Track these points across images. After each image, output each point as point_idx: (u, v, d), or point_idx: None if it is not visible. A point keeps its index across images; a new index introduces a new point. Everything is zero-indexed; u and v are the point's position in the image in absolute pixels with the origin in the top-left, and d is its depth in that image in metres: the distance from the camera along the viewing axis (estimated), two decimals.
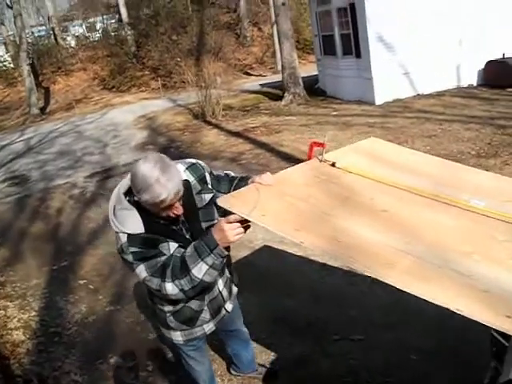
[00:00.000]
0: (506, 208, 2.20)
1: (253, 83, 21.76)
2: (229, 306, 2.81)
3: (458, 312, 1.51)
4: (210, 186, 2.47)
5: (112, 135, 14.25)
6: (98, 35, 29.57)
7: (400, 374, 3.49)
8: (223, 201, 2.02)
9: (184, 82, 17.77)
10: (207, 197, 2.44)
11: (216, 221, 2.40)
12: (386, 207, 2.10)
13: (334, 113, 13.42)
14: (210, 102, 14.35)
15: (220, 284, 2.66)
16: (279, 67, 22.60)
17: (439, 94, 13.55)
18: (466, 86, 14.10)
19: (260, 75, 24.97)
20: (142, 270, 2.20)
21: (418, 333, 3.90)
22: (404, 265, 1.70)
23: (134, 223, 2.18)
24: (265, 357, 3.83)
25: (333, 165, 2.49)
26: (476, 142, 9.01)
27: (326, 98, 15.84)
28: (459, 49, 13.58)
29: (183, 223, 2.36)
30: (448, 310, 1.53)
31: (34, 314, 5.06)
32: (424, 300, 1.57)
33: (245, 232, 2.04)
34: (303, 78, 16.03)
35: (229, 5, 29.76)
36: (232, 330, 3.15)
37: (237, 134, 12.25)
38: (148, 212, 2.18)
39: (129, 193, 2.23)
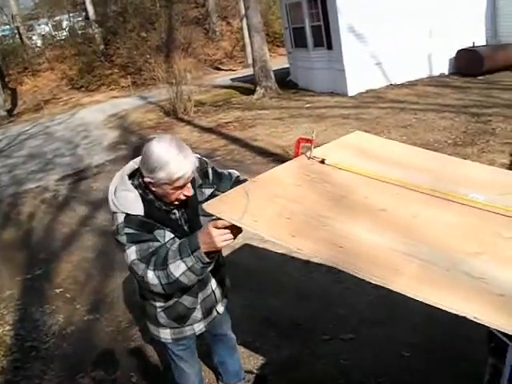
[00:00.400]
0: (505, 201, 2.10)
1: (223, 78, 21.60)
2: (220, 308, 2.73)
3: (476, 320, 1.41)
4: (211, 182, 2.49)
5: (83, 136, 13.93)
6: (64, 34, 29.01)
7: (394, 373, 3.40)
8: (210, 206, 1.87)
9: (154, 79, 17.49)
10: (208, 191, 2.46)
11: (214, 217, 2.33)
12: (384, 206, 1.97)
13: (307, 105, 13.35)
14: (181, 98, 14.18)
15: (213, 283, 2.59)
16: (249, 61, 22.45)
17: (412, 84, 13.59)
18: (437, 74, 14.18)
19: (230, 70, 24.80)
20: (132, 252, 2.13)
21: (409, 329, 3.82)
22: (412, 270, 1.57)
23: (134, 205, 2.16)
24: (252, 361, 3.70)
25: (322, 162, 2.35)
26: (452, 130, 9.01)
27: (299, 90, 15.77)
28: (430, 38, 13.64)
29: (182, 214, 2.35)
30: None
31: (8, 328, 4.79)
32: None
33: (234, 238, 1.92)
34: (274, 71, 15.92)
35: None
36: (220, 334, 3.02)
37: (210, 130, 12.09)
38: (151, 196, 2.20)
39: (132, 176, 2.25)
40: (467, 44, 13.75)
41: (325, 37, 14.10)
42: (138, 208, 2.15)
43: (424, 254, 1.66)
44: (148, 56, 21.69)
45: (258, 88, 15.51)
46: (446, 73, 14.27)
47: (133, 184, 2.21)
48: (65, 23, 30.50)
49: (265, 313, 4.30)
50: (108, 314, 4.72)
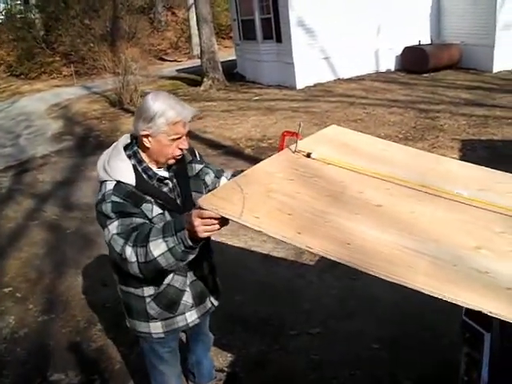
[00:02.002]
0: (485, 197, 2.14)
1: (169, 69, 21.28)
2: (215, 301, 2.65)
3: (492, 315, 1.42)
4: (199, 159, 2.53)
5: (24, 125, 13.32)
6: (1, 17, 27.68)
7: (364, 366, 3.42)
8: (206, 201, 1.78)
9: (98, 68, 17.01)
10: (197, 167, 2.49)
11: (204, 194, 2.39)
12: (380, 201, 1.96)
13: (256, 98, 13.33)
14: (127, 88, 13.85)
15: (205, 267, 2.53)
16: (195, 52, 22.28)
17: (359, 79, 13.81)
18: (384, 70, 14.50)
19: (175, 60, 24.45)
20: (114, 227, 2.08)
21: (376, 321, 3.87)
22: (423, 266, 1.57)
23: (126, 173, 2.17)
24: (221, 359, 3.63)
25: (308, 156, 2.31)
26: (401, 125, 9.18)
27: (246, 82, 15.75)
28: (378, 34, 13.93)
29: (175, 187, 2.35)
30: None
31: None
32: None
33: (219, 228, 1.85)
34: (220, 63, 15.78)
35: None
36: (201, 333, 2.92)
37: None
38: (145, 164, 2.23)
39: (125, 149, 2.26)
40: (413, 42, 14.10)
41: (274, 30, 14.14)
42: (130, 177, 2.15)
43: (431, 250, 1.66)
44: (92, 44, 21.03)
45: (205, 79, 15.37)
46: (393, 69, 14.60)
47: (127, 154, 2.23)
48: (1, 6, 29.01)
49: (229, 309, 4.20)
50: (64, 314, 4.47)
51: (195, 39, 20.60)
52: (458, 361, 2.43)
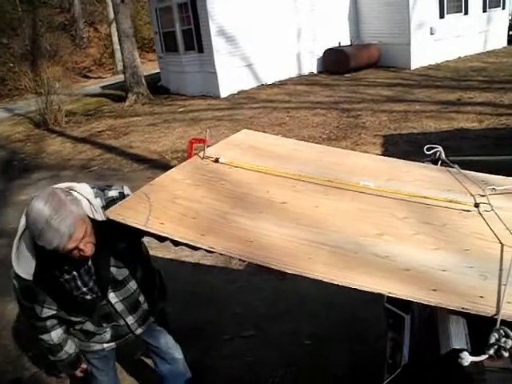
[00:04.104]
0: (392, 186, 2.23)
1: (93, 86, 20.93)
2: (138, 330, 2.46)
3: (391, 295, 1.50)
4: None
5: None
6: None
7: (298, 362, 3.48)
8: (113, 213, 1.80)
9: (19, 89, 16.54)
10: (125, 245, 2.13)
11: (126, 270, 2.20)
12: (285, 199, 2.02)
13: (181, 109, 13.32)
14: (51, 108, 13.53)
15: (129, 319, 2.36)
16: (119, 68, 22.01)
17: (282, 83, 14.02)
18: (307, 73, 14.77)
19: (99, 77, 24.10)
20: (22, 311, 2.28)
21: (306, 318, 3.93)
22: (323, 256, 1.63)
23: (25, 266, 2.01)
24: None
25: (216, 161, 2.36)
26: (325, 126, 9.38)
27: (170, 95, 15.70)
28: (299, 39, 14.22)
29: (90, 268, 2.10)
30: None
31: None
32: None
33: None
34: (145, 76, 15.69)
35: (62, 4, 28.03)
36: (161, 351, 2.79)
37: (83, 140, 11.63)
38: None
39: None
40: (333, 44, 14.50)
41: (196, 40, 14.19)
42: (26, 272, 2.00)
43: (331, 240, 1.72)
44: (11, 65, 20.47)
45: (129, 95, 15.21)
46: (315, 71, 14.92)
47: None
48: None
49: None
50: None
51: (118, 55, 20.35)
52: (385, 347, 2.53)
